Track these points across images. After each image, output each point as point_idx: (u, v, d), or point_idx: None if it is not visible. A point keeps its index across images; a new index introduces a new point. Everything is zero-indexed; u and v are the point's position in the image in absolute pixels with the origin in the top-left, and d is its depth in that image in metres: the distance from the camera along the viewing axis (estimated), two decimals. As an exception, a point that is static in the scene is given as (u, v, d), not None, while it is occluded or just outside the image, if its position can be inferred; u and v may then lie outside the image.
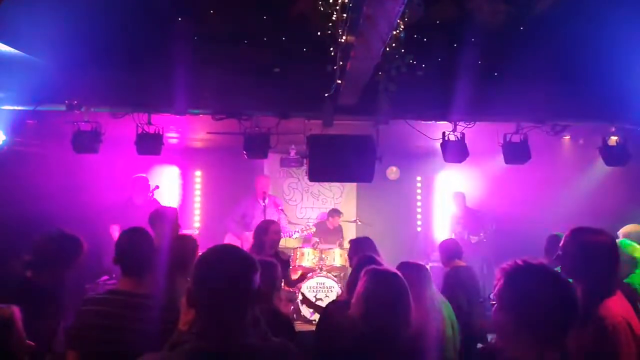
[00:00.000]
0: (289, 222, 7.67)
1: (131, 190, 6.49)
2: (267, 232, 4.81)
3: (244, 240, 7.20)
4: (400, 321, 2.27)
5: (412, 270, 3.15)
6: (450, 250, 4.93)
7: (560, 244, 2.56)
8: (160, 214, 4.31)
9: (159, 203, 6.17)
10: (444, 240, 5.18)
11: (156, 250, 2.75)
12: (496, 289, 1.76)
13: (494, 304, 1.77)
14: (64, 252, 3.00)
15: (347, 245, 7.86)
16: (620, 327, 2.29)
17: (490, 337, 4.35)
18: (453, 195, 7.80)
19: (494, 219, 7.19)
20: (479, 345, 4.11)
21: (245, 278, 1.66)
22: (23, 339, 2.06)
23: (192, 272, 1.70)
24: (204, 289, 1.64)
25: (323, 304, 6.55)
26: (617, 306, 2.39)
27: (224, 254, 1.71)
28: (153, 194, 6.48)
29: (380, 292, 2.30)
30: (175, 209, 4.52)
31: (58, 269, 3.00)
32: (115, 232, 6.13)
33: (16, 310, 2.05)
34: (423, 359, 2.45)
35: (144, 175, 6.62)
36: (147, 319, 2.45)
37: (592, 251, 2.43)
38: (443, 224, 8.40)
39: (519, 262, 1.76)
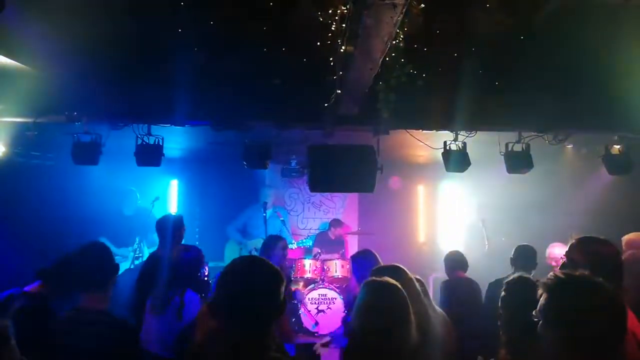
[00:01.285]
0: (293, 233, 7.66)
1: (120, 202, 6.57)
2: (275, 248, 4.79)
3: (243, 247, 7.22)
4: (399, 333, 2.22)
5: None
6: (452, 261, 4.89)
7: (565, 253, 2.55)
8: (164, 222, 4.33)
9: (146, 212, 6.24)
10: (450, 251, 5.13)
11: (117, 265, 2.68)
12: (539, 304, 1.70)
13: (538, 320, 1.70)
14: None
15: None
16: (626, 338, 2.27)
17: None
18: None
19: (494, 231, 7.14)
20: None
21: (272, 290, 1.65)
22: (16, 354, 2.02)
23: (218, 281, 1.68)
24: (230, 299, 1.62)
25: (325, 315, 6.51)
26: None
27: (251, 265, 1.71)
28: (153, 205, 6.50)
29: (377, 304, 2.26)
30: (179, 216, 4.54)
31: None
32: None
33: (9, 325, 2.01)
34: None
35: (133, 188, 6.68)
36: (99, 337, 2.43)
37: (599, 261, 2.41)
38: (446, 234, 8.36)
39: (560, 274, 1.71)
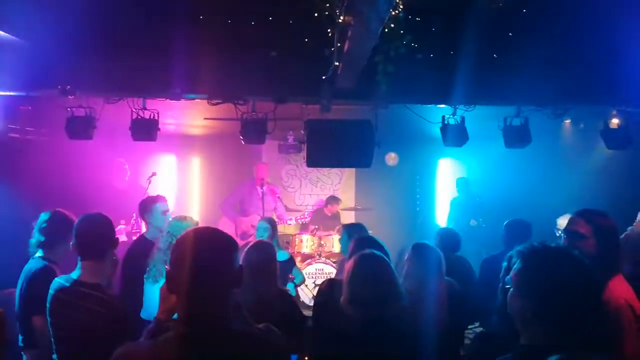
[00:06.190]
0: (287, 210, 7.65)
1: (111, 175, 6.53)
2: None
3: (238, 225, 7.20)
4: (384, 297, 2.28)
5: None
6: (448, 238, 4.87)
7: (567, 226, 2.56)
8: (147, 203, 4.28)
9: (143, 188, 6.21)
10: (442, 228, 5.14)
11: (115, 237, 2.73)
12: (512, 273, 1.69)
13: (509, 288, 1.69)
14: None
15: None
16: (623, 309, 2.31)
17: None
18: (457, 180, 7.77)
19: (493, 207, 7.14)
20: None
21: (226, 258, 1.63)
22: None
23: (170, 256, 1.64)
24: (184, 272, 1.58)
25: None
26: (619, 289, 2.41)
27: (202, 235, 1.67)
28: (150, 181, 6.46)
29: (361, 272, 2.35)
30: (163, 196, 4.47)
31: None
32: None
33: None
34: (415, 337, 2.44)
35: (121, 159, 6.62)
36: (93, 312, 2.45)
37: (602, 233, 2.44)
38: (442, 210, 8.39)
39: (536, 244, 1.69)
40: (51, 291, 2.55)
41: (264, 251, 3.25)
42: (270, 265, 3.21)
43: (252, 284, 3.00)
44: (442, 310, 3.05)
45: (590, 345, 1.55)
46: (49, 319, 2.54)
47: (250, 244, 3.38)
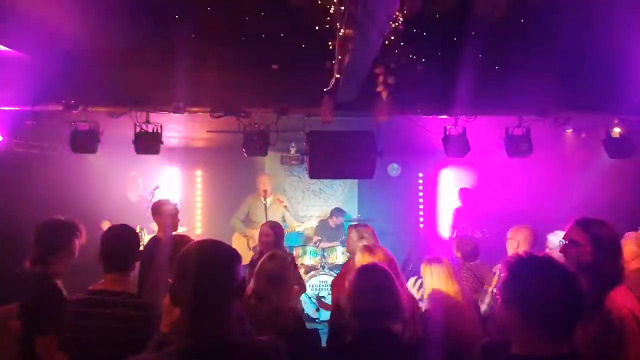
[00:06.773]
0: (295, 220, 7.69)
1: (125, 188, 6.59)
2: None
3: (250, 238, 7.20)
4: (387, 305, 2.27)
5: None
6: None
7: (565, 235, 2.55)
8: (160, 206, 4.37)
9: (147, 200, 6.25)
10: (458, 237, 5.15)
11: (139, 249, 2.74)
12: (499, 282, 1.71)
13: (498, 298, 1.72)
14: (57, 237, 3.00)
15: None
16: (627, 319, 2.29)
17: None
18: (459, 191, 7.77)
19: (496, 217, 7.13)
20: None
21: (228, 271, 1.63)
22: None
23: (173, 269, 1.64)
24: (188, 285, 1.58)
25: (327, 301, 6.52)
26: (622, 298, 2.39)
27: (205, 248, 1.68)
28: (153, 194, 6.48)
29: (363, 284, 2.35)
30: (174, 203, 4.54)
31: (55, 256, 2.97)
32: (106, 227, 6.14)
33: None
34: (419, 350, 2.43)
35: (135, 173, 6.68)
36: (124, 318, 2.43)
37: (602, 242, 2.43)
38: (445, 221, 8.36)
39: (522, 254, 1.72)
40: (71, 307, 2.51)
41: (280, 261, 3.22)
42: (286, 276, 3.18)
43: (268, 295, 2.99)
44: (455, 322, 3.04)
45: (584, 355, 1.55)
46: (67, 335, 2.48)
47: (267, 254, 3.35)
